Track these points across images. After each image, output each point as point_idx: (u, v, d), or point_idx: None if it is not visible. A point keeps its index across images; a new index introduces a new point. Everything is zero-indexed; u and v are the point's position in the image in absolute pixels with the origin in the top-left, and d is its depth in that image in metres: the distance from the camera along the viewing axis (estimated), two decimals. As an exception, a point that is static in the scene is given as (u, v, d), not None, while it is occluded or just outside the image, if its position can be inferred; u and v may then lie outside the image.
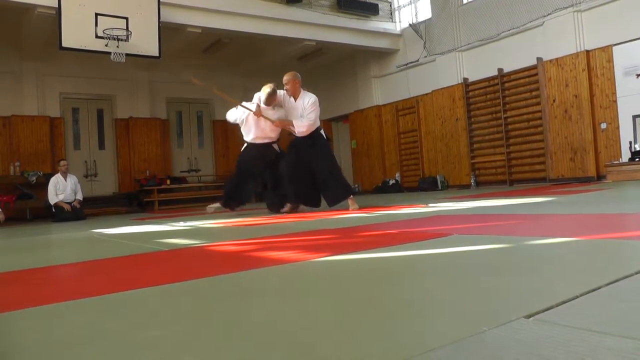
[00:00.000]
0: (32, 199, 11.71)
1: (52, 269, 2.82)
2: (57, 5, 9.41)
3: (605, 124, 10.03)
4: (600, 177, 9.95)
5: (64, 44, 9.52)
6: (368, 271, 1.98)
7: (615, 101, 9.89)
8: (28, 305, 1.73)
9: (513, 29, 11.46)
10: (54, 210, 10.24)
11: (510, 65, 11.63)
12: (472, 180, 12.22)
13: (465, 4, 12.67)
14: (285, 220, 5.31)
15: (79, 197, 10.52)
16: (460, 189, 11.99)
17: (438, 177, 12.95)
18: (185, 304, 1.61)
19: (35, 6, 9.56)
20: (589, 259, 1.90)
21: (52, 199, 10.24)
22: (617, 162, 9.66)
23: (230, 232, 4.54)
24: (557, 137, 10.64)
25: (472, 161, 12.39)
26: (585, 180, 9.98)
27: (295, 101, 6.74)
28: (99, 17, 9.80)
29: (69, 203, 10.27)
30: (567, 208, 4.36)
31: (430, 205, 6.12)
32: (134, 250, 3.46)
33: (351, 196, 6.70)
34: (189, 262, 2.72)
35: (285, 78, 6.75)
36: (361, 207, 6.55)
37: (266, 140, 7.01)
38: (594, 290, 1.34)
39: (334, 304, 1.47)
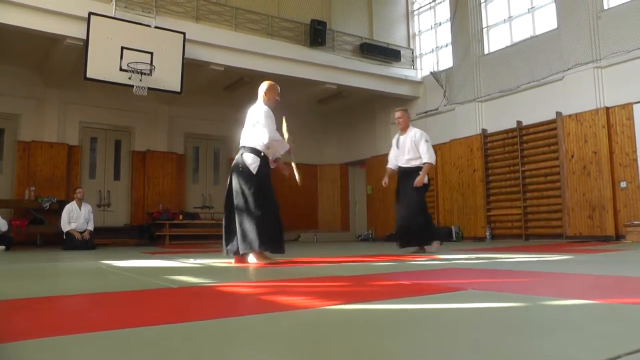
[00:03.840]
0: (44, 224, 11.79)
1: (59, 300, 2.80)
2: (85, 37, 9.65)
3: (625, 182, 9.95)
4: (619, 237, 9.83)
5: (88, 75, 9.72)
6: (379, 323, 1.94)
7: (635, 160, 9.84)
8: (32, 336, 1.71)
9: (533, 81, 11.55)
10: (64, 237, 10.26)
11: (529, 118, 11.66)
12: (488, 233, 12.12)
13: (486, 54, 12.81)
14: (296, 264, 5.27)
15: (91, 227, 10.53)
16: (475, 241, 11.88)
17: (453, 227, 12.87)
18: (191, 346, 1.59)
19: (64, 37, 9.83)
20: (608, 324, 1.85)
21: (65, 226, 10.28)
22: (638, 222, 9.54)
23: (241, 273, 4.51)
24: (575, 194, 10.57)
25: (488, 213, 12.32)
26: (604, 239, 9.85)
27: (403, 136, 7.24)
28: (124, 50, 10.02)
29: (81, 232, 10.29)
30: (584, 268, 4.29)
31: (445, 256, 6.06)
32: (142, 285, 3.44)
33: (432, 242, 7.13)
34: (197, 301, 2.69)
35: (398, 114, 7.33)
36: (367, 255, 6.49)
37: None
38: (614, 358, 1.30)
39: (343, 357, 1.44)
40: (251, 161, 5.33)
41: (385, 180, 7.38)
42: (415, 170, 7.03)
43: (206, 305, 2.54)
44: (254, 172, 5.29)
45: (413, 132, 7.18)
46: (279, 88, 5.82)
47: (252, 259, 5.25)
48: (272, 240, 5.26)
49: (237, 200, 5.29)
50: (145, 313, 2.31)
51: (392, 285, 3.25)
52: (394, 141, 7.46)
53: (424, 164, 6.97)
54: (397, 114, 7.35)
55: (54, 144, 12.78)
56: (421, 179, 6.90)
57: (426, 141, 7.04)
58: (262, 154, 5.38)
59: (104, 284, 3.63)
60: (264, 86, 5.75)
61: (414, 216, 6.98)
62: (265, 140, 5.31)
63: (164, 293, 3.04)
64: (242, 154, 5.42)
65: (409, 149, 7.08)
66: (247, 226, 5.16)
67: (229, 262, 5.44)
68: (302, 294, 2.90)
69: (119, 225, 13.55)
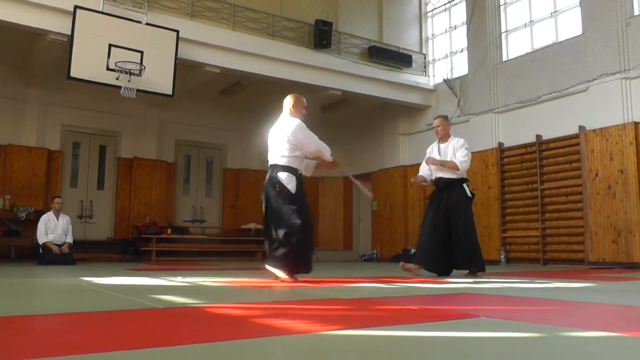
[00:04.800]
0: (19, 236, 11.75)
1: (33, 319, 2.79)
2: (70, 33, 9.67)
3: (654, 205, 9.93)
4: (646, 264, 9.79)
5: (72, 74, 9.72)
6: (381, 351, 1.94)
7: (666, 181, 9.83)
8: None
9: (554, 92, 11.54)
10: (41, 251, 10.24)
11: (549, 132, 11.64)
12: (503, 256, 12.08)
13: (505, 61, 12.84)
14: (296, 285, 5.27)
15: (69, 239, 10.51)
16: (488, 265, 11.79)
17: (465, 249, 12.81)
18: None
19: (47, 32, 9.84)
20: (633, 359, 1.84)
21: (41, 238, 10.26)
22: (666, 248, 9.51)
23: (234, 294, 4.50)
24: (599, 216, 10.54)
25: (504, 235, 12.28)
26: (630, 267, 9.80)
27: (443, 145, 7.17)
28: (112, 48, 10.03)
29: (59, 245, 10.27)
30: (608, 297, 4.27)
31: (456, 281, 6.04)
32: (125, 305, 3.43)
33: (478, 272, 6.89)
34: (185, 323, 2.68)
35: (437, 122, 7.27)
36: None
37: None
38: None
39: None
40: (287, 180, 5.58)
41: (415, 177, 7.30)
42: (459, 183, 6.98)
43: (194, 327, 2.53)
44: (293, 191, 5.55)
45: (456, 140, 7.13)
46: (305, 101, 6.05)
47: (279, 275, 5.49)
48: (299, 260, 5.54)
49: (274, 218, 5.57)
50: (128, 335, 2.30)
51: (397, 310, 3.25)
52: (429, 150, 7.37)
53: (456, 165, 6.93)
54: (436, 122, 7.31)
55: (33, 149, 12.77)
56: (437, 161, 6.96)
57: (466, 149, 6.99)
58: (299, 172, 5.69)
59: (83, 303, 3.63)
60: (290, 99, 5.98)
61: (468, 234, 6.90)
62: (328, 154, 5.86)
63: (149, 314, 3.03)
64: (276, 172, 5.62)
65: (451, 158, 7.00)
66: (280, 244, 5.46)
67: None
68: (298, 317, 2.89)
69: (101, 238, 13.52)
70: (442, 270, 6.87)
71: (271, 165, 5.72)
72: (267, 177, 5.72)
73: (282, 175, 5.57)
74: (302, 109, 5.97)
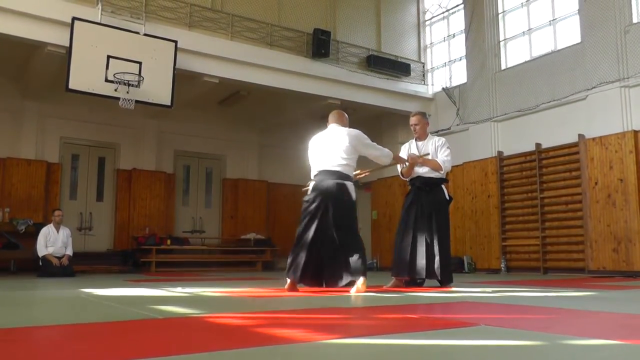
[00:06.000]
0: (18, 249, 11.73)
1: (33, 331, 2.79)
2: (68, 45, 9.69)
3: (654, 213, 9.93)
4: (647, 273, 9.78)
5: (70, 86, 9.72)
6: (382, 359, 1.94)
7: (666, 189, 9.83)
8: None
9: (554, 100, 11.56)
10: (40, 263, 10.23)
11: (549, 140, 11.66)
12: (503, 265, 12.07)
13: (504, 70, 12.87)
14: (296, 294, 5.27)
15: (69, 252, 10.53)
16: (488, 273, 11.82)
17: (465, 258, 12.82)
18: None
19: (45, 44, 9.86)
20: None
21: (41, 250, 10.26)
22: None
23: (234, 303, 4.50)
24: (599, 225, 10.53)
25: (504, 243, 12.28)
26: (630, 275, 9.79)
27: (421, 143, 6.79)
28: (110, 59, 10.04)
29: (58, 257, 10.27)
30: (609, 305, 4.28)
31: (456, 289, 6.04)
32: (125, 315, 3.44)
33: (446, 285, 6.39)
34: (185, 333, 2.69)
35: (414, 119, 6.86)
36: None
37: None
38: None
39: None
40: (352, 188, 5.75)
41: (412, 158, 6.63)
42: (438, 184, 6.59)
43: (195, 337, 2.53)
44: (354, 199, 5.74)
45: (436, 139, 6.75)
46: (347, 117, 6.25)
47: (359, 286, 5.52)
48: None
49: (342, 229, 5.61)
50: (128, 346, 2.30)
51: (398, 319, 3.25)
52: (405, 148, 6.90)
53: (439, 167, 6.50)
54: (413, 120, 6.80)
55: (32, 161, 12.77)
56: (418, 159, 6.49)
57: (448, 148, 6.64)
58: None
59: (83, 315, 3.63)
60: (341, 113, 6.18)
61: (444, 242, 6.41)
62: (389, 159, 6.07)
63: (149, 324, 3.04)
64: (341, 179, 5.67)
65: (432, 156, 6.57)
66: (355, 254, 5.57)
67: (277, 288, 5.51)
68: (299, 327, 2.89)
69: (101, 250, 13.51)
70: (423, 279, 6.50)
71: (329, 171, 5.69)
72: (325, 182, 5.66)
73: (349, 184, 5.71)
74: (346, 124, 6.11)
